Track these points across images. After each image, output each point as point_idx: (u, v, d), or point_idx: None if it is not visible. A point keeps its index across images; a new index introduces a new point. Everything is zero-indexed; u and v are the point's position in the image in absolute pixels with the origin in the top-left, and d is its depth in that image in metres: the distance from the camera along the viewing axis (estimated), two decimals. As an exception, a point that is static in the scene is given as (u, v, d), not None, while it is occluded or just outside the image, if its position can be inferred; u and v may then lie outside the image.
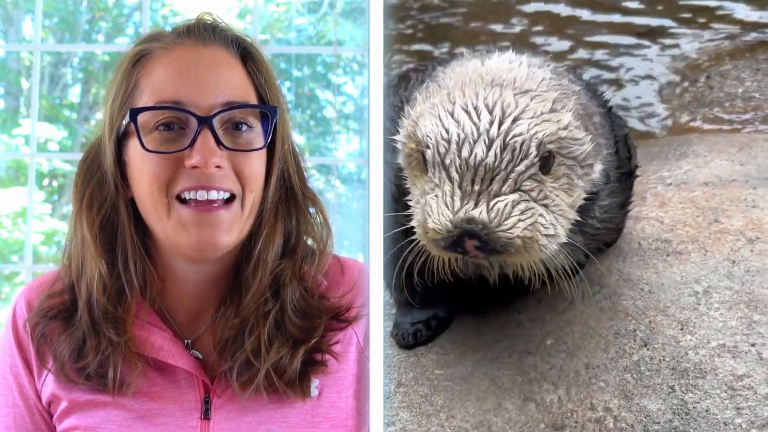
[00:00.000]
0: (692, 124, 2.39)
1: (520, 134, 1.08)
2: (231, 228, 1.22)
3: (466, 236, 1.04)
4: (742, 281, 1.71)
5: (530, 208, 1.09)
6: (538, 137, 1.09)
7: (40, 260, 2.38)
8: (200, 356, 1.27)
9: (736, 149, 2.13)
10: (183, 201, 1.21)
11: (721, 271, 1.73)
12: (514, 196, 1.07)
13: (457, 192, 1.04)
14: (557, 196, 1.13)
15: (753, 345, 1.59)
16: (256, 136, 1.25)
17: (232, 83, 1.24)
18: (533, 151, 1.09)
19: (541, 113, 1.13)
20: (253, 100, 1.26)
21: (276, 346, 1.23)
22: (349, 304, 1.29)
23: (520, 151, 1.08)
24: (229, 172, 1.21)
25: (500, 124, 1.09)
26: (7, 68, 2.59)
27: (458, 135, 1.08)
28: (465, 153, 1.07)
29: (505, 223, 1.06)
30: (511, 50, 1.31)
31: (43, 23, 2.53)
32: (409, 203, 1.21)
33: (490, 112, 1.10)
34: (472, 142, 1.07)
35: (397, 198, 1.31)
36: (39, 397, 1.30)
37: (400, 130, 1.25)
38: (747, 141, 2.17)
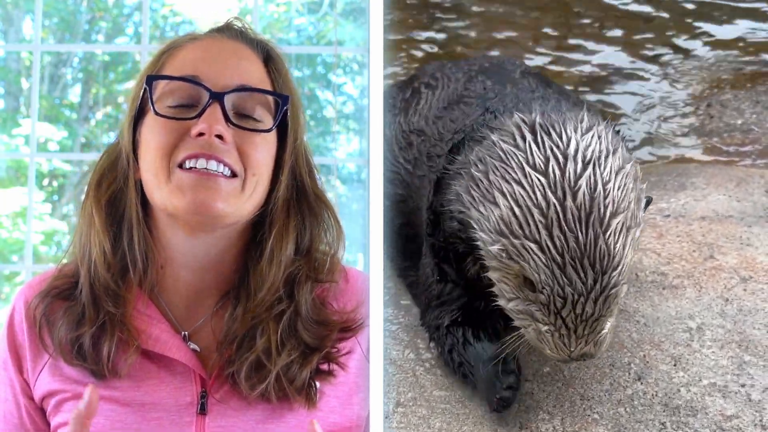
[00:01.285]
0: (691, 153, 2.39)
1: (617, 286, 1.36)
2: (228, 198, 1.23)
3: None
4: (735, 320, 1.73)
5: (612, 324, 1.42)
6: (626, 275, 1.38)
7: (40, 260, 2.38)
8: (198, 349, 1.27)
9: (733, 184, 2.14)
10: (184, 169, 1.23)
11: (715, 309, 1.75)
12: (608, 326, 1.40)
13: (573, 337, 1.35)
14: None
15: (743, 386, 1.61)
16: (264, 126, 1.27)
17: (251, 72, 1.28)
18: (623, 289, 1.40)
19: (627, 247, 1.36)
20: (269, 96, 1.29)
21: (288, 349, 1.22)
22: (358, 318, 1.29)
23: (616, 296, 1.37)
24: (232, 149, 1.23)
25: (602, 279, 1.34)
26: (7, 68, 2.59)
27: (572, 295, 1.33)
28: (578, 310, 1.34)
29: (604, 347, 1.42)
30: (581, 121, 1.42)
31: (43, 23, 2.54)
32: (504, 293, 1.44)
33: (593, 267, 1.33)
34: (583, 301, 1.34)
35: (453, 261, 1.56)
36: (31, 395, 1.30)
37: (483, 224, 1.41)
38: (744, 176, 2.19)
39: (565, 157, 1.36)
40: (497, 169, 1.40)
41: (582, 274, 1.33)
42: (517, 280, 1.41)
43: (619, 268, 1.35)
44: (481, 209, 1.42)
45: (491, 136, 1.45)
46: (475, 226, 1.43)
